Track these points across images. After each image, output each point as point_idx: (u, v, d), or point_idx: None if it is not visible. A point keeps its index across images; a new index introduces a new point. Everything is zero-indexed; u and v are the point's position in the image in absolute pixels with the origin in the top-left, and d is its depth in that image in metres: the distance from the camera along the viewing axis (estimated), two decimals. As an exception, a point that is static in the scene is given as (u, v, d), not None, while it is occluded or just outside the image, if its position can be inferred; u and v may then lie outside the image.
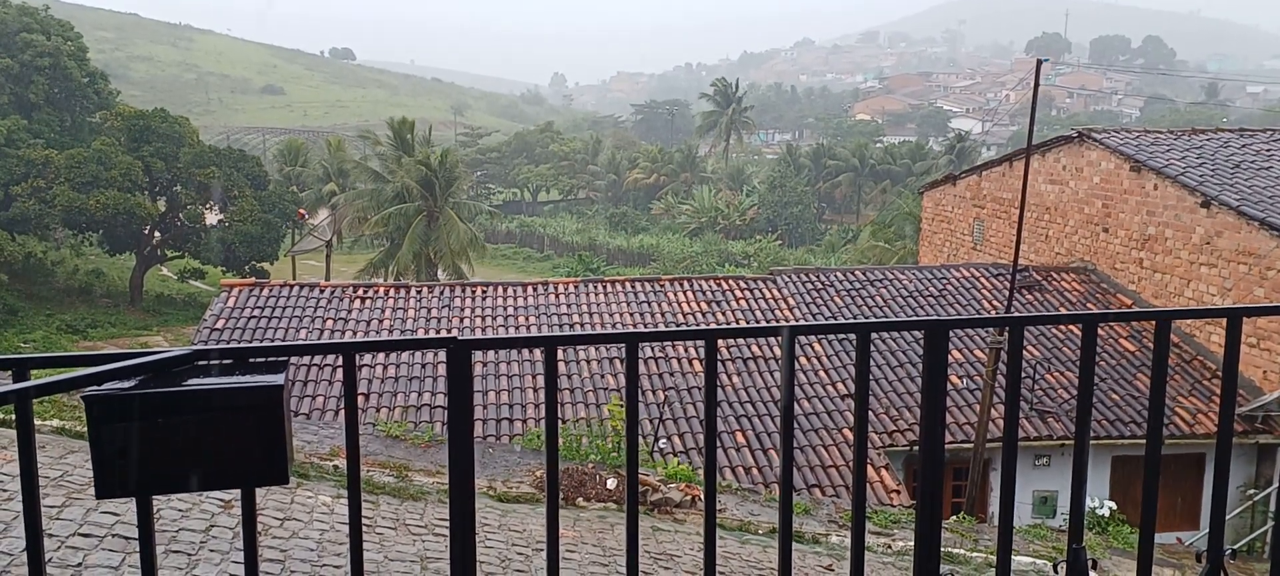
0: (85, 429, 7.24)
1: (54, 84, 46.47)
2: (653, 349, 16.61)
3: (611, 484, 8.79)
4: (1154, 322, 2.74)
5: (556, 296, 18.85)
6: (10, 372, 2.15)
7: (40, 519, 2.17)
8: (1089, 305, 19.50)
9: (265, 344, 2.28)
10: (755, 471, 13.98)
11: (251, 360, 2.23)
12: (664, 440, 14.28)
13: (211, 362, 2.20)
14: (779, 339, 2.63)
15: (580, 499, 8.52)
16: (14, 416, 6.95)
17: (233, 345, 2.22)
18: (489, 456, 9.83)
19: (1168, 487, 15.75)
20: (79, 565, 5.04)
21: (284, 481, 2.11)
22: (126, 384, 2.05)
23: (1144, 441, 2.76)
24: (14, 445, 6.45)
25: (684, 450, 14.18)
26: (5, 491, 5.76)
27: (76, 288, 42.19)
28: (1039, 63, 15.11)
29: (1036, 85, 14.76)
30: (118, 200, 38.41)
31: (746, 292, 19.36)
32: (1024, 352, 14.71)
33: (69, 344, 35.05)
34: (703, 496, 8.50)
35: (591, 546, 7.08)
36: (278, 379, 2.10)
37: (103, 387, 2.01)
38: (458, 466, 2.40)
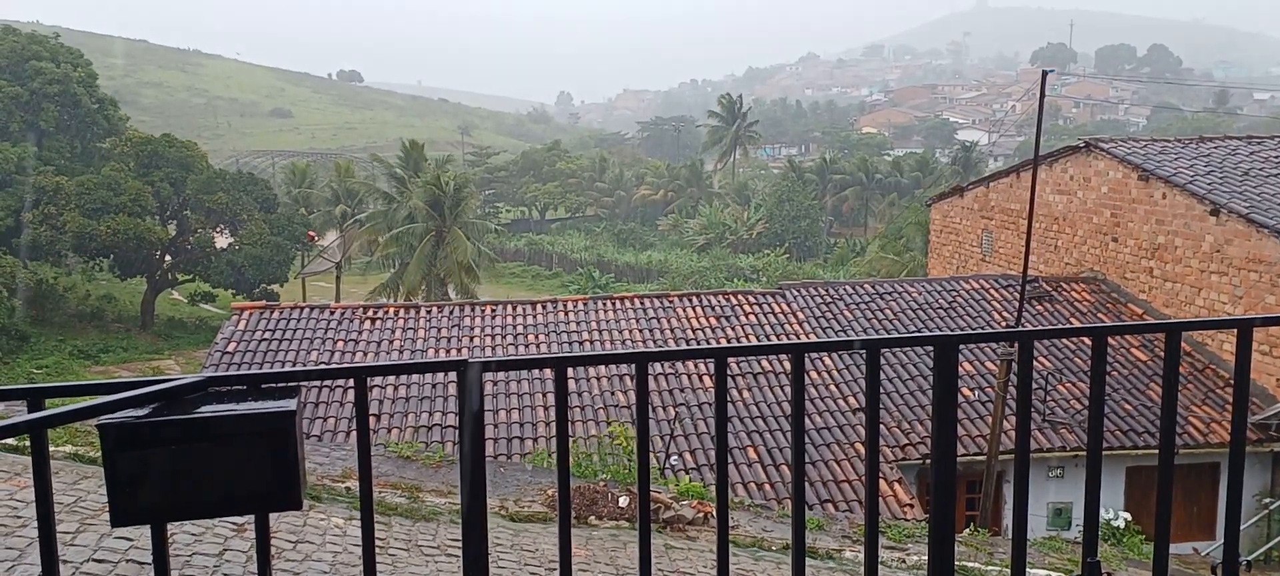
0: (98, 454, 7.26)
1: (64, 111, 46.76)
2: (663, 365, 16.60)
3: (623, 502, 8.77)
4: (1164, 334, 2.74)
5: (565, 314, 18.87)
6: (25, 401, 2.16)
7: (56, 546, 2.18)
8: (1099, 315, 19.44)
9: (277, 371, 2.29)
10: (768, 487, 13.94)
11: (263, 386, 2.24)
12: (675, 457, 14.26)
13: (224, 389, 2.21)
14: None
15: (592, 517, 8.50)
16: (28, 444, 6.93)
17: (245, 371, 2.22)
18: (500, 476, 9.82)
19: (1183, 498, 15.68)
20: (93, 591, 5.05)
21: (298, 506, 2.12)
22: (140, 412, 2.06)
23: (1157, 452, 2.76)
24: (28, 472, 6.47)
25: (695, 466, 14.15)
26: (20, 518, 5.78)
27: (88, 313, 42.36)
28: (1044, 73, 15.12)
29: (1042, 96, 14.77)
30: (128, 225, 38.59)
31: (756, 307, 19.35)
32: (1035, 364, 14.67)
33: (81, 368, 35.17)
34: (715, 513, 8.47)
35: (604, 565, 7.07)
36: (290, 404, 2.11)
37: (117, 416, 2.03)
38: (470, 488, 2.40)
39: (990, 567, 8.25)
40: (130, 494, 2.02)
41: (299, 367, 15.97)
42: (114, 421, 2.01)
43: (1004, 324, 18.87)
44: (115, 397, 2.07)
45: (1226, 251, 17.35)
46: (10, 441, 7.17)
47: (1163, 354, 2.68)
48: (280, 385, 2.24)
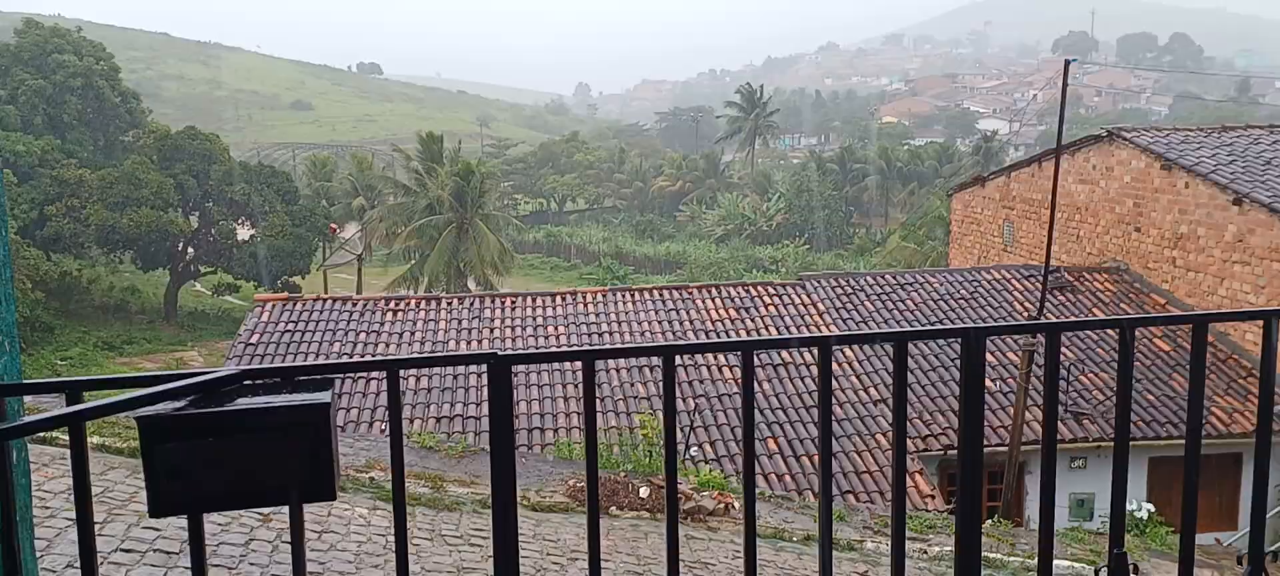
0: (125, 445, 7.34)
1: (87, 104, 47.13)
2: (683, 357, 16.61)
3: (644, 492, 8.80)
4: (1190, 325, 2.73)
5: (586, 306, 18.89)
6: (63, 395, 2.20)
7: (93, 537, 2.22)
8: (1122, 305, 19.34)
9: (312, 364, 2.32)
10: (789, 478, 13.94)
11: (297, 378, 2.26)
12: (696, 448, 14.28)
13: (259, 382, 2.24)
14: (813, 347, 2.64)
15: (613, 508, 8.53)
16: (55, 435, 6.99)
17: (269, 363, 2.26)
18: (522, 466, 9.87)
19: (1205, 487, 15.56)
20: (122, 580, 5.11)
21: (332, 497, 2.16)
22: (177, 404, 2.09)
23: (1181, 442, 2.75)
24: (55, 463, 6.56)
25: (716, 457, 14.16)
26: (48, 508, 5.85)
27: (112, 304, 42.73)
28: (1067, 62, 15.03)
29: (1064, 85, 14.68)
30: (150, 218, 38.91)
31: (776, 298, 19.31)
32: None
33: (106, 360, 35.50)
34: (736, 503, 8.44)
35: (625, 555, 7.10)
36: (324, 397, 2.14)
37: (156, 408, 2.06)
38: (499, 480, 2.43)
39: (1012, 558, 8.24)
40: (169, 485, 2.05)
41: (327, 360, 16.04)
42: (154, 414, 2.04)
43: (1026, 314, 18.79)
44: (152, 390, 2.10)
45: (1249, 241, 17.21)
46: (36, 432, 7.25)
47: (1185, 344, 2.68)
48: (314, 377, 2.27)
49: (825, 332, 2.83)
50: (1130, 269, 20.56)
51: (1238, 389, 16.35)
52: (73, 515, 5.06)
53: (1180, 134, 21.10)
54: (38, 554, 5.24)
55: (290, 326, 17.76)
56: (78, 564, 2.20)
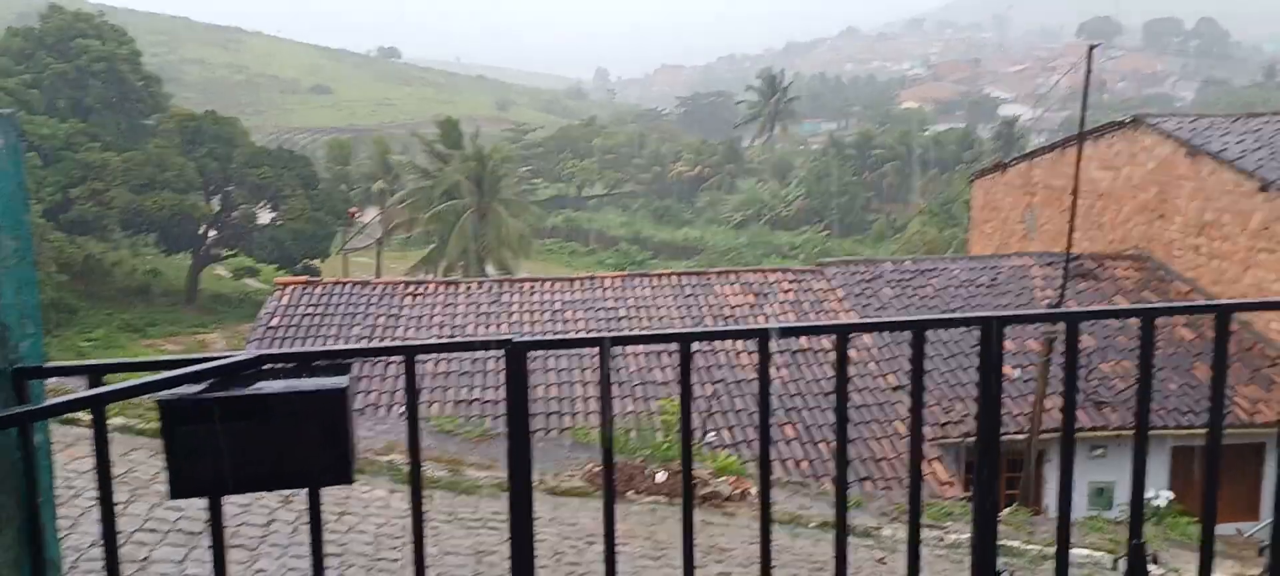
0: (148, 426, 7.41)
1: (109, 88, 47.35)
2: (701, 343, 16.60)
3: (660, 478, 8.81)
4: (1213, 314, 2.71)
5: (604, 291, 18.90)
6: (86, 377, 2.22)
7: (114, 517, 2.25)
8: (1145, 293, 19.19)
9: (330, 348, 2.33)
10: (805, 464, 13.94)
11: (315, 363, 2.28)
12: (712, 433, 14.28)
13: (277, 366, 2.26)
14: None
15: (630, 492, 8.55)
16: (80, 416, 7.06)
17: (290, 346, 2.28)
18: (541, 450, 9.90)
19: (1226, 478, 15.41)
20: (145, 559, 5.17)
21: (349, 481, 2.17)
22: (198, 388, 2.11)
23: (1203, 432, 2.73)
24: (78, 443, 6.62)
25: (733, 443, 14.16)
26: (72, 488, 5.91)
27: (135, 287, 43.06)
28: (1091, 47, 14.90)
29: (1088, 70, 14.55)
30: (173, 201, 39.19)
31: (794, 285, 19.27)
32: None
33: (128, 342, 35.80)
34: (753, 489, 8.44)
35: (642, 539, 7.12)
36: (342, 381, 2.15)
37: (177, 392, 2.08)
38: (516, 465, 2.44)
39: (1031, 546, 8.21)
40: (189, 468, 2.07)
41: (347, 345, 16.11)
42: (175, 398, 2.06)
43: (1047, 301, 18.68)
44: (174, 373, 2.12)
45: (1275, 229, 17.04)
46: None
47: (1208, 332, 2.66)
48: (332, 361, 2.28)
49: (843, 320, 2.82)
50: (1153, 256, 20.39)
51: (1261, 378, 16.21)
52: (96, 495, 5.12)
53: (1206, 120, 20.90)
54: (61, 534, 5.30)
55: (310, 310, 17.85)
56: (101, 544, 2.23)
